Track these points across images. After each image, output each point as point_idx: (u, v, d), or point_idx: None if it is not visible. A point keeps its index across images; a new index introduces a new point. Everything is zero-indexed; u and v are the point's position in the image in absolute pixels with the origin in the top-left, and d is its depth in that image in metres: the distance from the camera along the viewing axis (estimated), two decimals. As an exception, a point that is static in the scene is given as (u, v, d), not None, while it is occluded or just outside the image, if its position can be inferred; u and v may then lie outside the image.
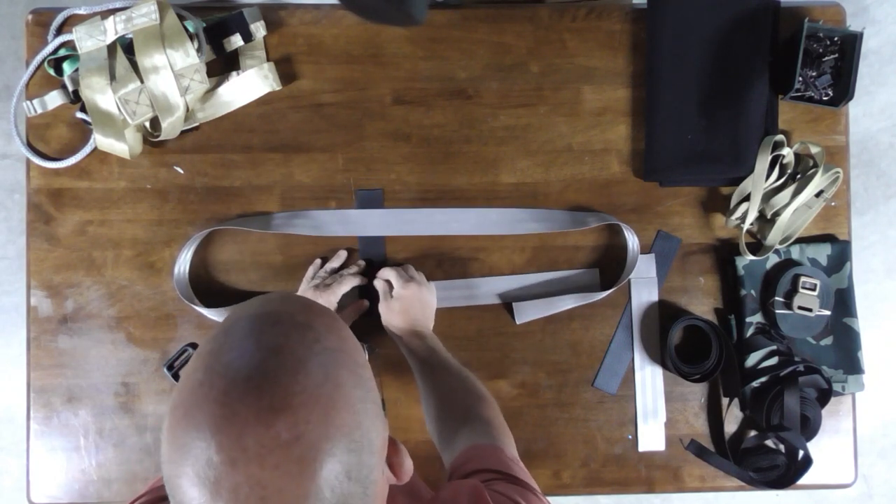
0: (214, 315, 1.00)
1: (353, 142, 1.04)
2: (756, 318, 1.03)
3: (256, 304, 0.49)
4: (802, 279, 1.00)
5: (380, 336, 0.99)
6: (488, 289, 1.04)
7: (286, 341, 0.45)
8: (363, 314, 1.02)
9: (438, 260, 1.04)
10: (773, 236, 1.00)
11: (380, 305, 0.98)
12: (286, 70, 1.03)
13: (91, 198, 1.03)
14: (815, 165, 1.00)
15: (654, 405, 1.04)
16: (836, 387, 1.02)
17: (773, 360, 1.02)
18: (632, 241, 1.03)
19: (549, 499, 0.67)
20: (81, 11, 1.02)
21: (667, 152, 1.02)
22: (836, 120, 1.05)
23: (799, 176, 1.01)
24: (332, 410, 0.43)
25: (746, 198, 1.00)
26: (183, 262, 1.01)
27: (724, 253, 1.05)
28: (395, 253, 1.04)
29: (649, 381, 1.04)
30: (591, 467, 1.04)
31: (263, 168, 1.03)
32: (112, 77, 0.96)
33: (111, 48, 0.97)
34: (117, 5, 1.00)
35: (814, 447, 1.00)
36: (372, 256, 1.03)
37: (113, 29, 0.96)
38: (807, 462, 0.98)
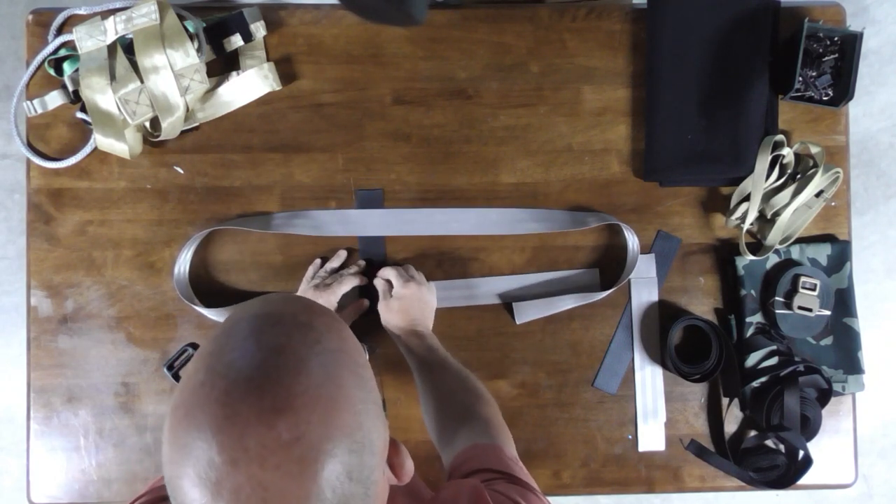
0: (214, 315, 1.00)
1: (353, 142, 1.04)
2: (756, 318, 1.03)
3: (257, 305, 0.49)
4: (802, 279, 1.00)
5: (380, 336, 0.99)
6: (488, 289, 1.04)
7: (287, 342, 0.45)
8: (363, 313, 1.02)
9: (438, 260, 1.04)
10: (773, 236, 1.00)
11: (379, 304, 0.98)
12: (286, 70, 1.03)
13: (91, 198, 1.03)
14: (815, 165, 1.00)
15: (654, 405, 1.04)
16: (836, 387, 1.02)
17: (773, 360, 1.02)
18: (632, 241, 1.03)
19: (549, 499, 0.67)
20: (81, 11, 1.02)
21: (667, 152, 1.02)
22: (836, 120, 1.05)
23: (799, 176, 1.01)
24: (334, 411, 0.43)
25: (746, 198, 1.00)
26: (183, 262, 1.01)
27: (724, 253, 1.05)
28: (395, 253, 1.04)
29: (649, 381, 1.04)
30: (591, 467, 1.04)
31: (263, 168, 1.03)
32: (112, 77, 0.96)
33: (111, 48, 0.97)
34: (117, 5, 1.00)
35: (814, 447, 1.00)
36: (372, 256, 1.03)
37: (113, 29, 0.97)
38: (807, 462, 0.98)
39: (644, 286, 1.04)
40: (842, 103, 1.00)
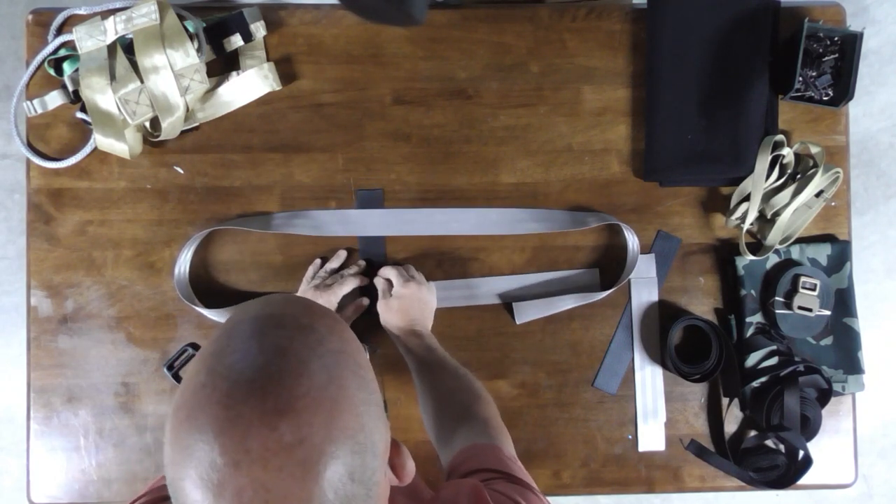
0: (215, 316, 1.00)
1: (353, 142, 1.04)
2: (756, 318, 1.03)
3: (258, 306, 0.49)
4: (802, 279, 1.00)
5: (381, 336, 0.99)
6: (488, 289, 1.04)
7: (289, 343, 0.45)
8: (363, 313, 1.02)
9: (438, 260, 1.04)
10: (773, 236, 1.00)
11: (378, 304, 0.98)
12: (286, 70, 1.03)
13: (91, 198, 1.03)
14: (815, 165, 1.00)
15: (654, 405, 1.04)
16: (836, 387, 1.02)
17: (773, 360, 1.02)
18: (632, 241, 1.03)
19: (549, 499, 0.67)
20: (81, 11, 1.02)
21: (667, 152, 1.02)
22: (836, 120, 1.05)
23: (799, 176, 1.01)
24: (336, 413, 0.43)
25: (746, 198, 1.00)
26: (183, 262, 1.01)
27: (724, 253, 1.05)
28: (395, 253, 1.04)
29: (649, 381, 1.04)
30: (591, 467, 1.04)
31: (263, 168, 1.03)
32: (112, 77, 0.96)
33: (111, 48, 0.97)
34: (117, 5, 1.00)
35: (814, 447, 1.00)
36: (372, 256, 1.03)
37: (113, 29, 0.96)
38: (807, 462, 0.98)
39: (644, 286, 1.04)
40: (842, 103, 1.00)
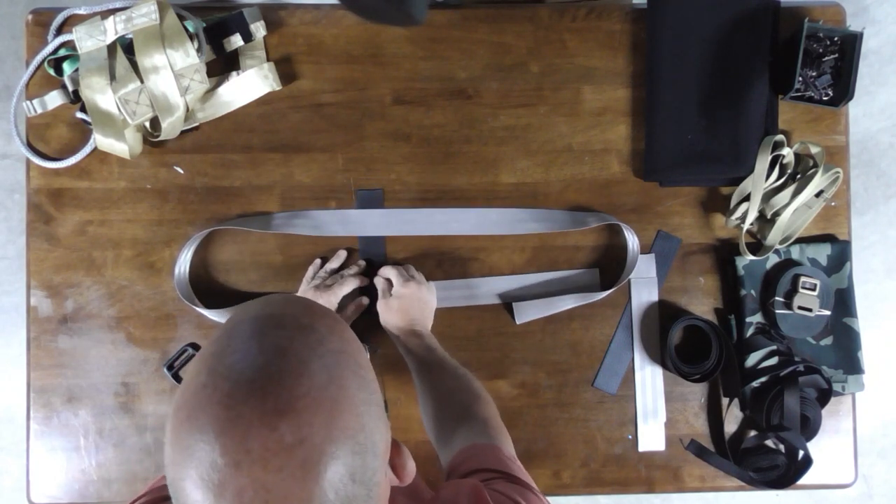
0: (215, 316, 1.00)
1: (353, 142, 1.04)
2: (756, 318, 1.03)
3: (259, 306, 0.49)
4: (802, 279, 1.00)
5: (381, 336, 0.99)
6: (488, 289, 1.04)
7: (290, 344, 0.45)
8: (362, 312, 1.02)
9: (438, 260, 1.04)
10: (773, 236, 1.00)
11: (378, 304, 0.98)
12: (286, 70, 1.03)
13: (91, 198, 1.03)
14: (815, 165, 1.00)
15: (654, 405, 1.04)
16: (836, 387, 1.02)
17: (773, 360, 1.02)
18: (632, 241, 1.03)
19: (549, 499, 0.67)
20: (81, 11, 1.02)
21: (667, 152, 1.02)
22: (836, 120, 1.05)
23: (799, 176, 1.02)
24: (336, 413, 0.43)
25: (746, 198, 1.00)
26: (183, 263, 1.01)
27: (724, 253, 1.05)
28: (395, 253, 1.04)
29: (649, 381, 1.04)
30: (591, 467, 1.04)
31: (263, 168, 1.03)
32: (112, 77, 0.96)
33: (111, 48, 0.97)
34: (117, 5, 1.00)
35: (814, 447, 1.00)
36: (372, 256, 1.03)
37: (113, 29, 0.96)
38: (807, 462, 0.98)
39: (644, 286, 1.04)
40: (842, 103, 1.00)
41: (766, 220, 1.02)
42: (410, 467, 0.52)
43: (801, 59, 0.98)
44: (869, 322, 1.38)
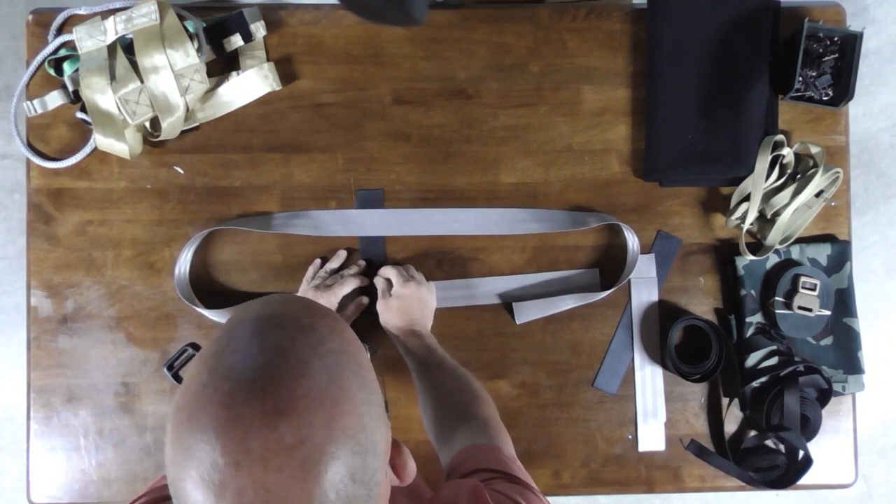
0: (215, 316, 1.00)
1: (353, 142, 1.04)
2: (756, 318, 1.03)
3: (259, 306, 0.49)
4: (802, 279, 1.00)
5: (381, 336, 0.99)
6: (488, 289, 1.04)
7: (290, 344, 0.45)
8: (362, 312, 1.02)
9: (438, 260, 1.04)
10: (773, 236, 1.00)
11: (378, 304, 0.98)
12: (286, 70, 1.03)
13: (91, 198, 1.03)
14: (815, 165, 1.00)
15: (654, 405, 1.04)
16: (836, 387, 1.02)
17: (773, 360, 1.02)
18: (632, 241, 1.03)
19: (549, 499, 0.67)
20: (81, 11, 1.02)
21: (667, 152, 1.03)
22: (836, 120, 1.05)
23: (799, 176, 1.02)
24: (337, 413, 0.43)
25: (746, 198, 1.00)
26: (183, 263, 1.01)
27: (724, 253, 1.05)
28: (395, 253, 1.04)
29: (649, 381, 1.04)
30: (591, 467, 1.04)
31: (263, 168, 1.03)
32: (112, 77, 0.96)
33: (111, 48, 0.97)
34: (117, 5, 1.00)
35: (814, 447, 1.00)
36: (372, 256, 1.03)
37: (113, 29, 0.96)
38: (807, 462, 0.98)
39: (644, 286, 1.04)
40: (842, 103, 1.00)
41: (766, 220, 1.02)
42: (411, 467, 0.52)
43: (801, 59, 0.98)
44: (869, 322, 1.38)
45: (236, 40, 1.01)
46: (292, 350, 0.45)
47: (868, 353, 1.04)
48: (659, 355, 1.04)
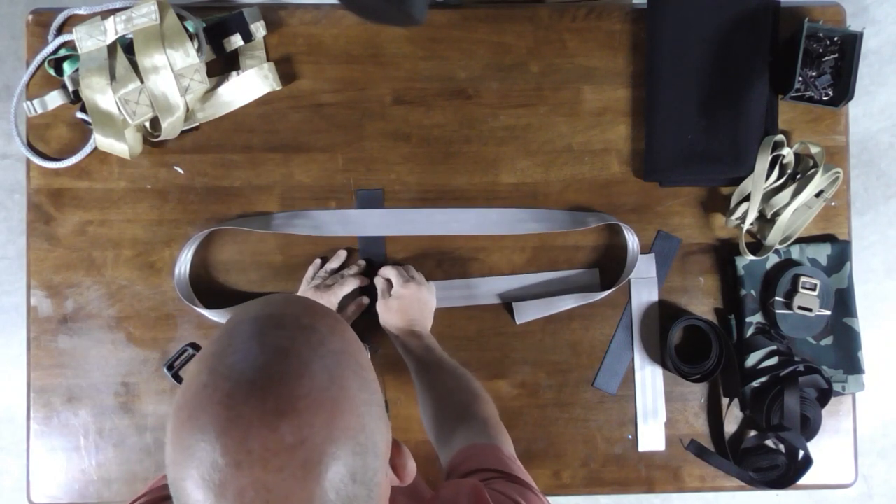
0: (215, 316, 1.00)
1: (353, 142, 1.04)
2: (756, 318, 1.03)
3: (259, 306, 0.49)
4: (802, 279, 1.00)
5: (381, 336, 0.99)
6: (488, 289, 1.04)
7: (291, 344, 0.45)
8: (362, 312, 1.02)
9: (438, 260, 1.04)
10: (773, 236, 1.00)
11: (378, 304, 0.98)
12: (286, 70, 1.03)
13: (91, 198, 1.03)
14: (815, 165, 1.00)
15: (654, 405, 1.04)
16: (836, 387, 1.02)
17: (773, 360, 1.02)
18: (632, 241, 1.03)
19: (549, 499, 0.67)
20: (82, 11, 1.02)
21: (667, 152, 1.03)
22: (836, 120, 1.05)
23: (799, 176, 1.02)
24: (337, 413, 0.43)
25: (746, 198, 1.00)
26: (183, 263, 1.01)
27: (724, 253, 1.05)
28: (395, 253, 1.04)
29: (649, 381, 1.04)
30: (591, 467, 1.04)
31: (263, 168, 1.03)
32: (112, 77, 0.96)
33: (111, 48, 0.97)
34: (117, 5, 1.00)
35: (814, 447, 1.00)
36: (372, 256, 1.03)
37: (113, 29, 0.97)
38: (807, 462, 0.98)
39: (644, 286, 1.04)
40: (842, 103, 1.00)
41: (766, 220, 1.02)
42: (411, 467, 0.52)
43: (801, 59, 0.98)
44: (869, 322, 1.38)
45: (236, 40, 1.01)
46: (293, 350, 0.45)
47: (868, 353, 1.04)
48: (659, 355, 1.04)
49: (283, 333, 0.46)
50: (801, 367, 1.01)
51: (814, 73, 1.01)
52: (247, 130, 1.03)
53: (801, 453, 0.99)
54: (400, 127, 1.04)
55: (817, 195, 1.01)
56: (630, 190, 1.05)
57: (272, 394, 0.42)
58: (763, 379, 1.01)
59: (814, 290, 1.00)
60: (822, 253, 1.03)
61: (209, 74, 1.00)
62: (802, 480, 0.99)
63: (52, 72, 1.01)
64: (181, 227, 1.03)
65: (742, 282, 1.02)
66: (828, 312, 1.01)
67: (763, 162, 1.00)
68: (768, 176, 1.00)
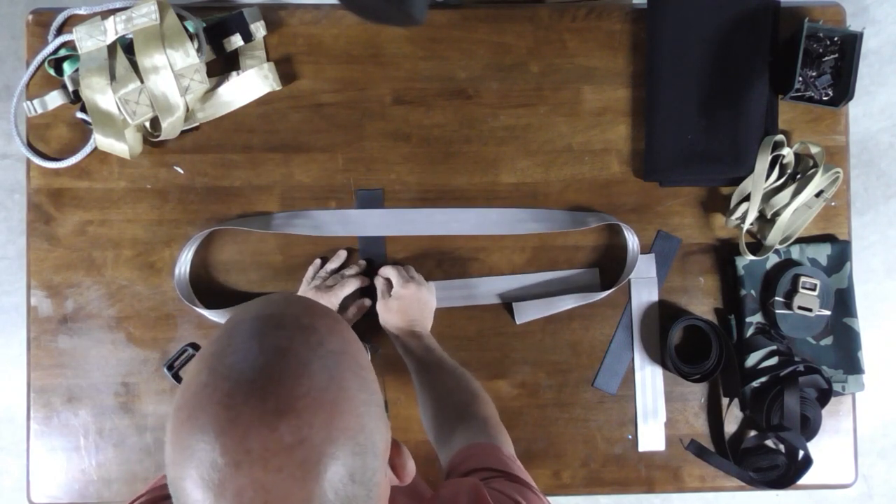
0: (215, 316, 1.00)
1: (353, 142, 1.04)
2: (756, 318, 1.03)
3: (259, 306, 0.49)
4: (802, 279, 1.00)
5: (381, 336, 0.99)
6: (488, 289, 1.04)
7: (290, 344, 0.45)
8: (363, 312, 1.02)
9: (438, 260, 1.04)
10: (773, 236, 1.00)
11: (378, 304, 0.98)
12: (286, 70, 1.03)
13: (91, 198, 1.03)
14: (815, 165, 1.00)
15: (654, 405, 1.04)
16: (836, 387, 1.02)
17: (773, 360, 1.02)
18: (632, 241, 1.03)
19: (549, 499, 0.67)
20: (82, 11, 1.02)
21: (667, 152, 1.03)
22: (836, 120, 1.05)
23: (799, 176, 1.02)
24: (336, 413, 0.43)
25: (746, 198, 1.00)
26: (183, 263, 1.01)
27: (724, 253, 1.05)
28: (395, 253, 1.04)
29: (649, 381, 1.04)
30: (591, 467, 1.04)
31: (263, 168, 1.03)
32: (112, 77, 0.96)
33: (111, 48, 0.97)
34: (117, 5, 1.00)
35: (814, 447, 1.00)
36: (372, 256, 1.03)
37: (113, 29, 0.97)
38: (807, 462, 0.98)
39: (644, 286, 1.04)
40: (842, 103, 1.00)
41: (766, 220, 1.02)
42: (410, 467, 0.52)
43: (801, 59, 0.98)
44: (869, 322, 1.38)
45: (236, 40, 1.01)
46: (292, 350, 0.45)
47: (868, 353, 1.04)
48: (659, 355, 1.04)
49: (283, 333, 0.46)
50: (801, 367, 1.01)
51: (814, 73, 1.01)
52: (247, 130, 1.03)
53: (801, 453, 0.99)
54: (400, 127, 1.04)
55: (817, 195, 1.01)
56: (630, 190, 1.05)
57: (271, 394, 0.42)
58: (763, 379, 1.01)
59: (814, 290, 1.00)
60: (822, 253, 1.03)
61: (209, 74, 1.00)
62: (802, 480, 0.99)
63: (52, 72, 1.01)
64: (181, 227, 1.03)
65: (742, 282, 1.02)
66: (828, 312, 1.01)
67: (763, 162, 1.00)
68: (768, 176, 1.00)
